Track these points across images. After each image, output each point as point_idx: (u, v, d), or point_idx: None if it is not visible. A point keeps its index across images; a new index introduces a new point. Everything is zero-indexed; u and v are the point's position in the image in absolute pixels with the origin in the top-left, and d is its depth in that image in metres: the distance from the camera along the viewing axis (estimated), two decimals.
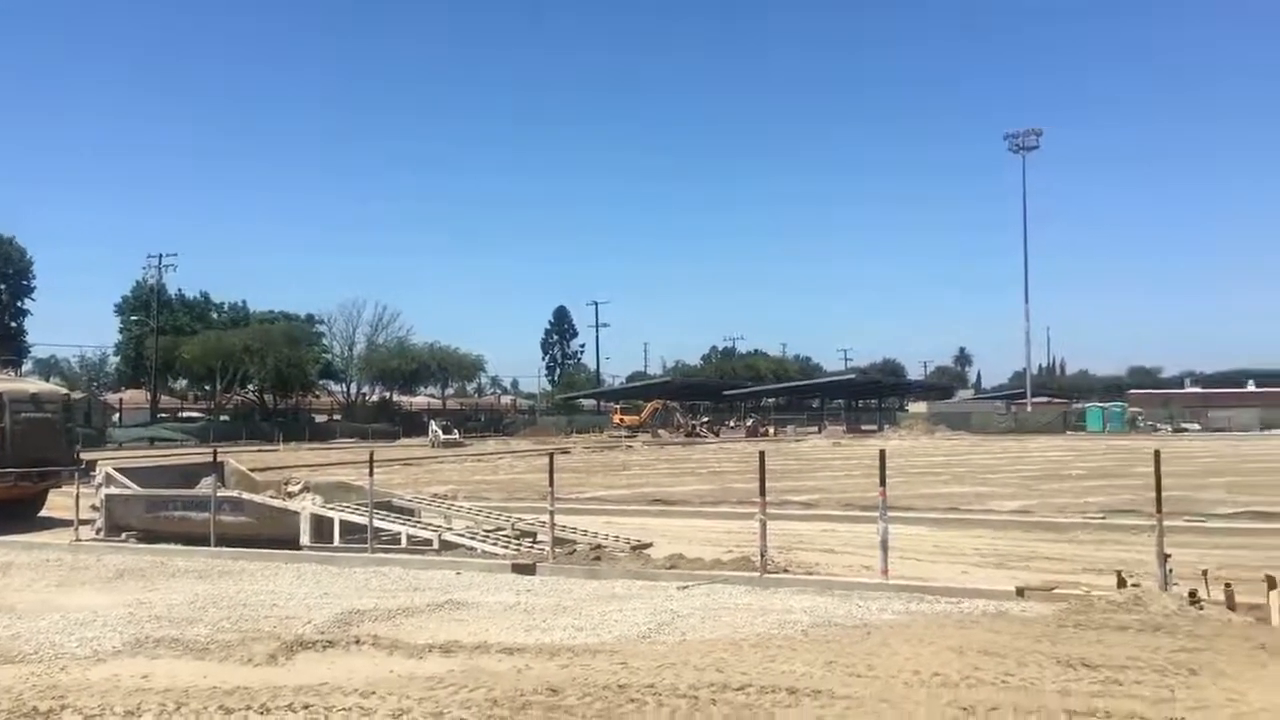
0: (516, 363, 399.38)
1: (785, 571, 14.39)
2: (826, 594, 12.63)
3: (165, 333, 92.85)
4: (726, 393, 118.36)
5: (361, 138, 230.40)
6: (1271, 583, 11.49)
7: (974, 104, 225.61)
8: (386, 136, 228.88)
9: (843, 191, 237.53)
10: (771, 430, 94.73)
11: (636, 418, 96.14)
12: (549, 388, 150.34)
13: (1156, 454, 13.02)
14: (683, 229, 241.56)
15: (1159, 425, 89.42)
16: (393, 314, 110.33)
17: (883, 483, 14.02)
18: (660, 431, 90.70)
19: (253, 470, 23.70)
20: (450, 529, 17.81)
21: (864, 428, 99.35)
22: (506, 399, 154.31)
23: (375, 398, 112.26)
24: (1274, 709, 7.00)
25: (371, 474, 17.56)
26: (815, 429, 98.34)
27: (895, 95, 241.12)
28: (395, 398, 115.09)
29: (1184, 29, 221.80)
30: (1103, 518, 22.10)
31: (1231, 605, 11.17)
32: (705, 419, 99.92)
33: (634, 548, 16.63)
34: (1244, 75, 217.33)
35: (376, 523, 17.05)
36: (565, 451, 61.07)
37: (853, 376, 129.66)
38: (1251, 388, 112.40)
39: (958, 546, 18.16)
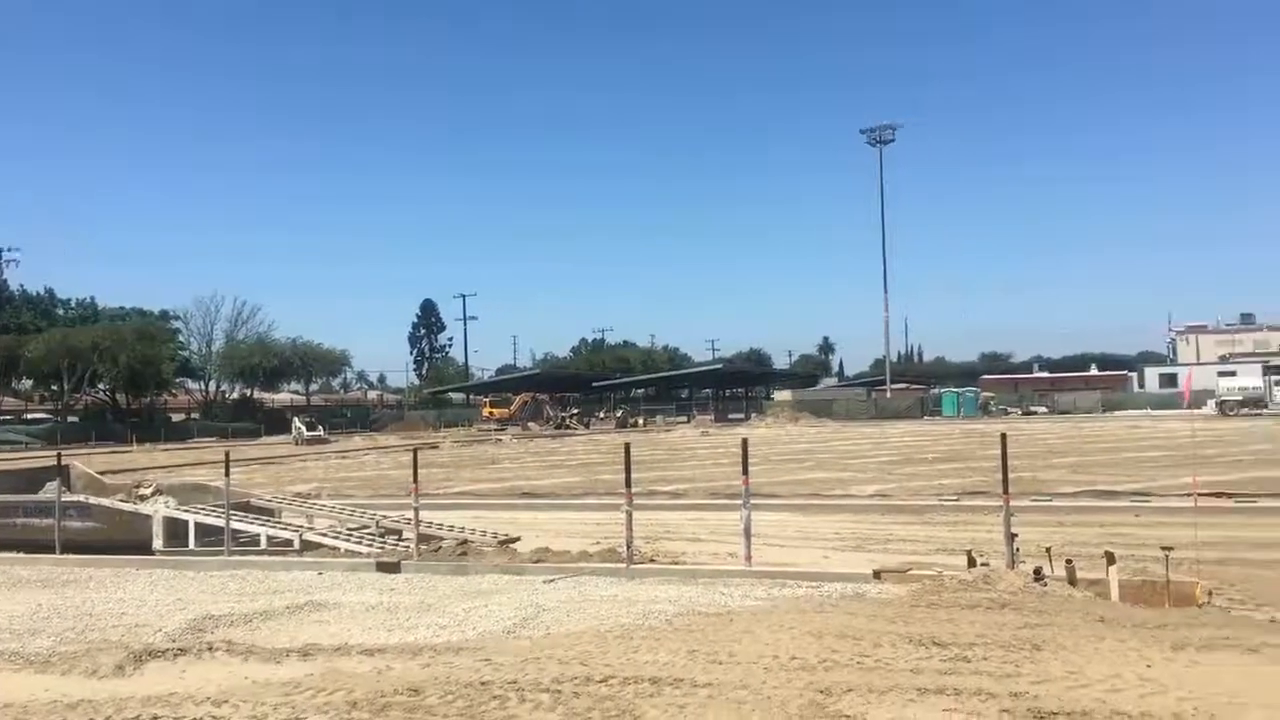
0: (384, 357, 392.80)
1: (652, 561, 14.50)
2: (692, 583, 12.78)
3: (8, 331, 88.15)
4: (596, 384, 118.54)
5: (228, 139, 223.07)
6: (1110, 558, 12.10)
7: (834, 101, 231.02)
8: (255, 136, 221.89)
9: (711, 188, 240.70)
10: (641, 421, 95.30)
11: (506, 411, 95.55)
12: (417, 382, 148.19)
13: (1003, 438, 13.52)
14: (550, 224, 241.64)
15: (1010, 409, 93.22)
16: (252, 309, 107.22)
17: (745, 471, 14.26)
18: (530, 424, 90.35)
19: (103, 473, 22.71)
20: (312, 529, 17.41)
21: (732, 417, 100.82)
22: (374, 394, 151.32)
23: (236, 395, 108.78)
24: (1109, 679, 7.36)
25: (228, 473, 17.00)
26: (684, 419, 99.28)
27: (759, 94, 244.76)
28: (257, 395, 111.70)
29: (1015, 30, 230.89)
30: (956, 499, 22.93)
31: (1073, 581, 11.72)
32: (575, 411, 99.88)
33: (501, 542, 16.52)
34: (1073, 73, 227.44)
35: (234, 524, 16.55)
36: (433, 446, 60.29)
37: (720, 367, 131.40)
38: (1094, 371, 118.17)
39: (819, 531, 18.59)
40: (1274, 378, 79.91)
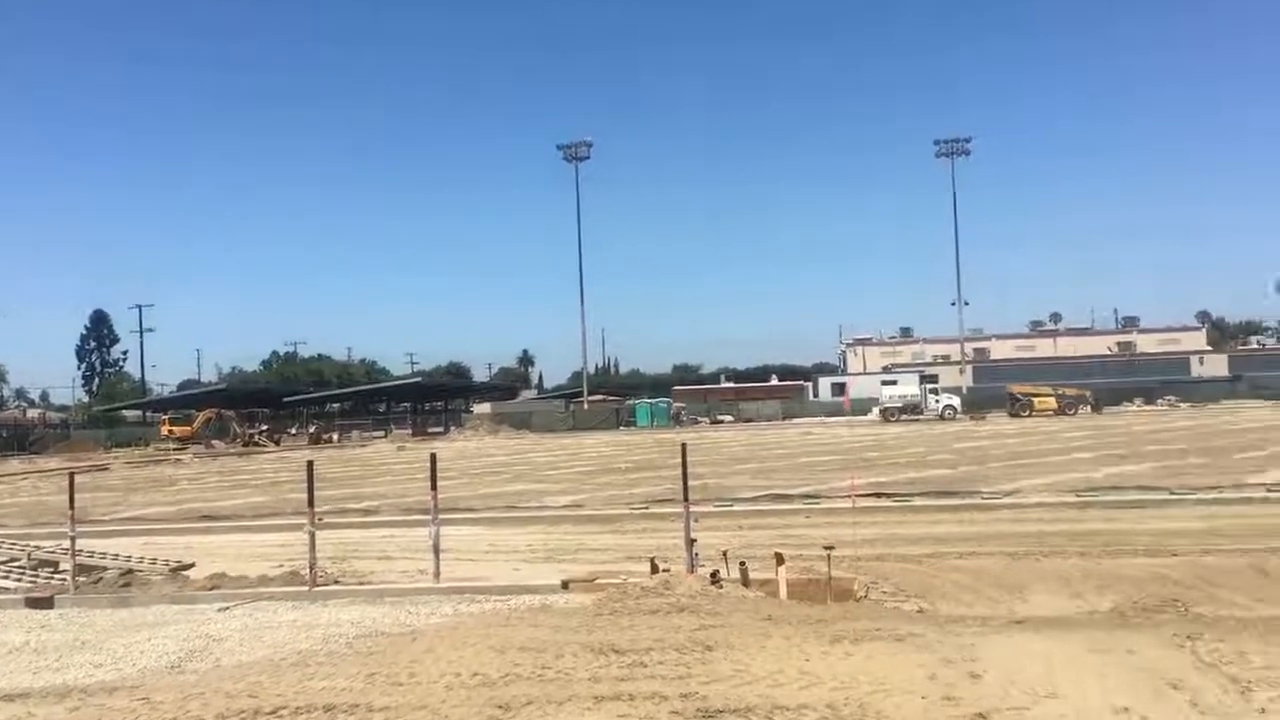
0: (48, 373, 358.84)
1: (337, 583, 14.04)
2: (378, 603, 12.48)
3: None
4: (288, 399, 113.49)
5: None
6: (780, 559, 12.86)
7: (526, 116, 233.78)
8: None
9: (409, 201, 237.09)
10: (336, 437, 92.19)
11: (188, 428, 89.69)
12: (86, 399, 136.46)
13: (683, 447, 14.07)
14: (236, 233, 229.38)
15: (700, 418, 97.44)
16: None
17: (434, 487, 14.09)
18: (215, 442, 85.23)
19: None
20: None
21: (431, 430, 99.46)
22: (35, 413, 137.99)
23: None
24: (772, 675, 7.78)
25: None
26: (381, 434, 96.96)
27: (439, 107, 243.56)
28: None
29: (731, 49, 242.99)
30: (646, 507, 23.63)
31: (746, 582, 12.36)
32: (264, 427, 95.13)
33: (173, 570, 15.48)
34: (781, 83, 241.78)
35: None
36: (103, 468, 55.75)
37: (419, 380, 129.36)
38: (775, 381, 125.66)
39: (512, 544, 18.64)
40: (929, 386, 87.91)
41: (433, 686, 7.88)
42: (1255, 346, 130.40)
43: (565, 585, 12.82)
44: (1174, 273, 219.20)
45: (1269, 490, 22.00)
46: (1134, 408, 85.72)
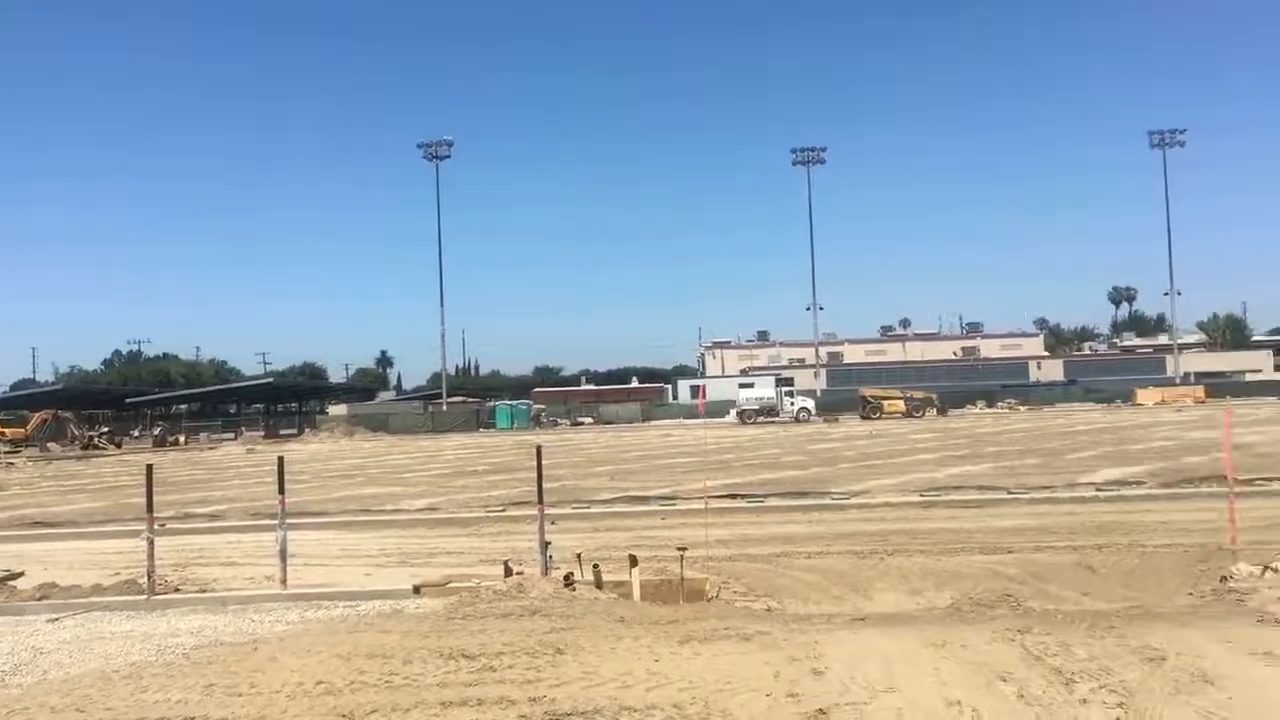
0: None
1: (177, 591, 13.53)
2: (220, 611, 12.07)
3: None
4: (131, 400, 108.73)
5: None
6: (633, 561, 12.94)
7: (395, 117, 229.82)
8: None
9: (266, 197, 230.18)
10: (183, 439, 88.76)
11: (21, 430, 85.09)
12: None
13: (538, 450, 14.02)
14: (73, 225, 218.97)
15: (560, 420, 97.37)
16: None
17: (281, 490, 13.72)
18: (51, 445, 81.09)
19: None
20: None
21: (284, 433, 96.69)
22: None
23: None
24: (621, 677, 7.83)
25: None
26: (231, 436, 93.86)
27: (316, 100, 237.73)
28: None
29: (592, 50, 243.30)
30: (503, 510, 23.50)
31: (600, 584, 12.39)
32: (105, 429, 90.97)
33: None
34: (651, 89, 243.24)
35: None
36: None
37: (271, 380, 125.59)
38: (635, 384, 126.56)
39: (365, 548, 18.28)
40: (785, 389, 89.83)
41: (274, 697, 7.66)
42: (1089, 352, 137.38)
43: (417, 590, 12.63)
44: (1014, 281, 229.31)
45: (1098, 489, 23.20)
46: (977, 410, 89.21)
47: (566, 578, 12.31)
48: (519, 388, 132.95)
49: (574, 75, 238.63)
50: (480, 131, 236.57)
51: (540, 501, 13.48)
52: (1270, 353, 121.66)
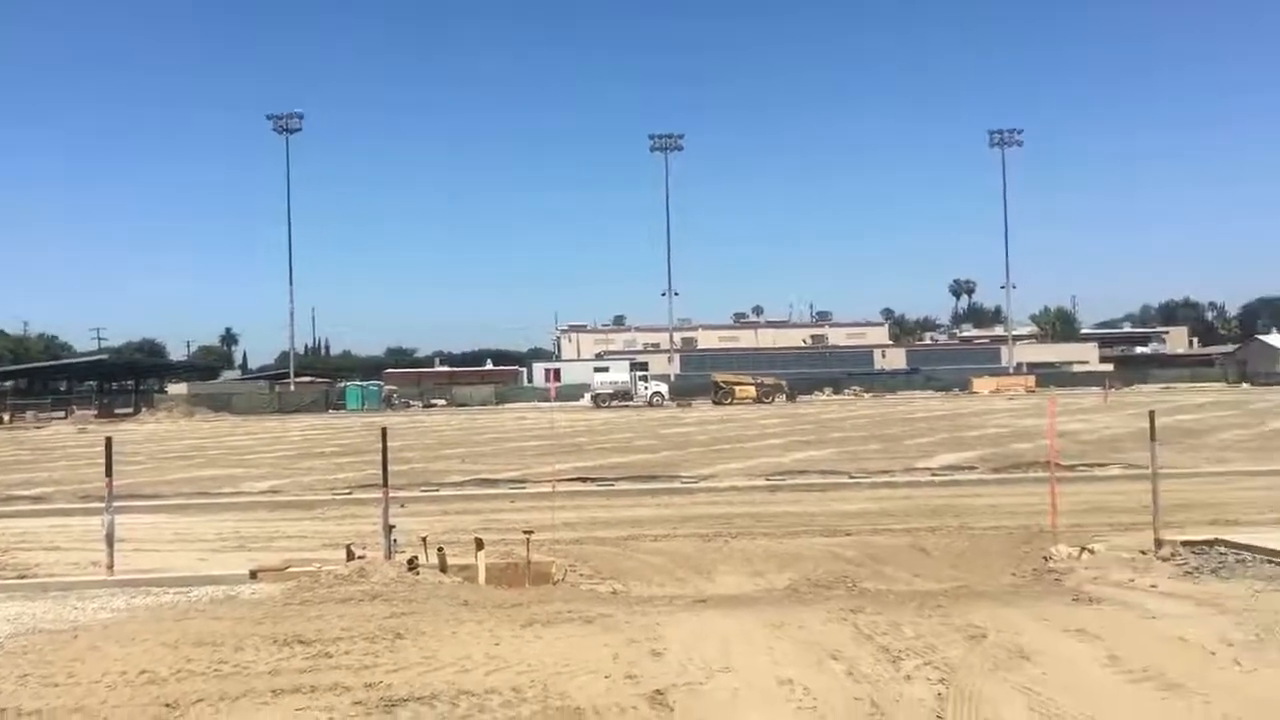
0: None
1: None
2: (40, 598, 11.48)
3: None
4: None
5: None
6: (479, 544, 12.83)
7: (244, 90, 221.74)
8: None
9: (105, 171, 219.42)
10: (8, 417, 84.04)
11: None
12: None
13: (384, 431, 13.78)
14: None
15: (412, 402, 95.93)
16: None
17: (109, 471, 13.14)
18: None
19: None
20: None
21: (119, 411, 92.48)
22: None
23: None
24: (461, 661, 7.76)
25: None
26: (62, 414, 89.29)
27: (156, 72, 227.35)
28: None
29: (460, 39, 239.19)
30: (349, 493, 23.04)
31: (444, 568, 12.25)
32: None
33: None
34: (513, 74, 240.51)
35: None
36: None
37: (105, 357, 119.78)
38: (490, 366, 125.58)
39: (201, 533, 17.65)
40: (639, 373, 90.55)
41: (93, 687, 7.33)
42: (930, 342, 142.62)
43: (254, 575, 12.25)
44: (861, 271, 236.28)
45: (933, 474, 24.12)
46: (824, 396, 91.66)
47: (410, 561, 12.14)
48: (371, 369, 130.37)
49: (435, 55, 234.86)
50: (334, 109, 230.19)
51: (385, 484, 13.25)
52: (1096, 345, 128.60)
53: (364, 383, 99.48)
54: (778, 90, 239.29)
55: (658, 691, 6.94)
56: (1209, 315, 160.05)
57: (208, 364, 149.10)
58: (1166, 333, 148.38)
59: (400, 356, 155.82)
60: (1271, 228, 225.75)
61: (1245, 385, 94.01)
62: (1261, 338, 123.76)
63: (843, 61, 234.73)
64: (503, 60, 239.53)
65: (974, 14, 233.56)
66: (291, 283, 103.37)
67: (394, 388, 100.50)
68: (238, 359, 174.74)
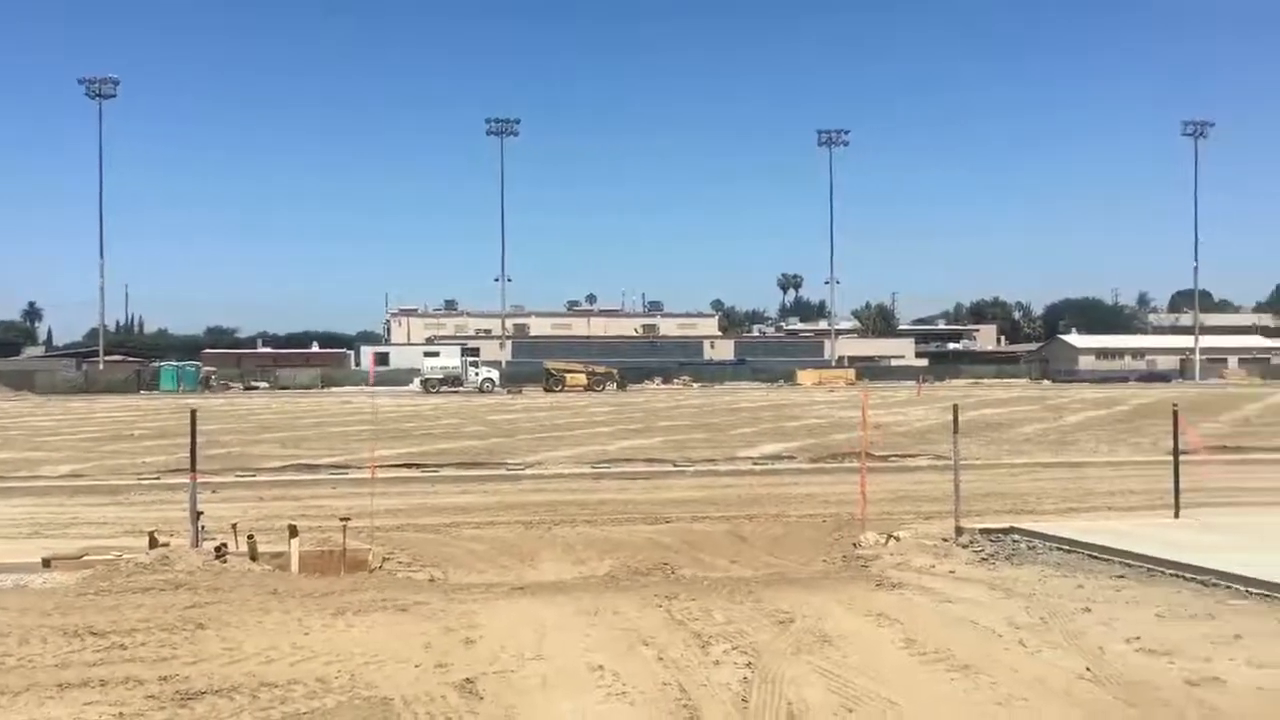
0: None
1: None
2: None
3: None
4: None
5: None
6: (293, 531, 12.46)
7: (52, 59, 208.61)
8: None
9: None
10: None
11: None
12: None
13: (193, 413, 13.21)
14: None
15: (232, 384, 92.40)
16: None
17: None
18: None
19: None
20: None
21: None
22: None
23: None
24: (265, 652, 7.53)
25: None
26: None
27: None
28: None
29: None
30: (157, 477, 22.08)
31: (255, 556, 11.87)
32: None
33: None
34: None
35: None
36: None
37: None
38: (316, 349, 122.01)
39: None
40: (470, 359, 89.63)
41: None
42: (757, 334, 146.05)
43: (46, 563, 11.58)
44: (694, 265, 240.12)
45: (755, 463, 24.75)
46: (655, 386, 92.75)
47: (218, 549, 11.70)
48: (189, 348, 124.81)
49: (268, 38, 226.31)
50: (158, 78, 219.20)
51: (193, 468, 12.73)
52: (913, 341, 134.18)
53: (180, 363, 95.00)
54: (626, 85, 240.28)
55: (468, 680, 6.90)
56: (1016, 315, 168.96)
57: (8, 340, 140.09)
58: (977, 330, 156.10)
59: (220, 336, 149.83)
60: (1074, 236, 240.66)
61: (1046, 382, 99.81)
62: (1063, 337, 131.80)
63: (686, 60, 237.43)
64: (338, 41, 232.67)
65: (801, 16, 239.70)
66: (102, 257, 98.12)
67: (213, 369, 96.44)
68: (42, 335, 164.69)
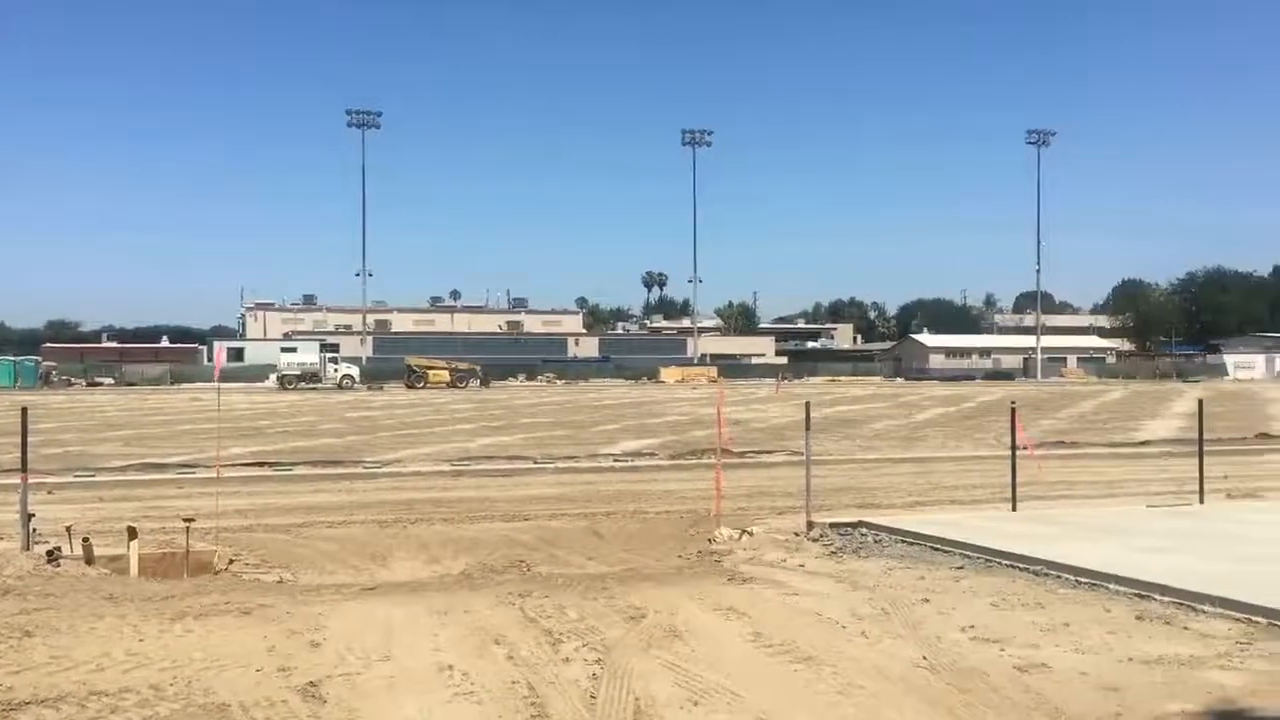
0: None
1: None
2: None
3: None
4: None
5: None
6: (132, 533, 12.00)
7: None
8: None
9: None
10: None
11: None
12: None
13: (23, 411, 12.62)
14: None
15: (75, 380, 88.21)
16: None
17: None
18: None
19: None
20: None
21: None
22: None
23: None
24: (97, 659, 7.23)
25: None
26: None
27: None
28: None
29: None
30: None
31: (90, 559, 11.38)
32: None
33: None
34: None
35: None
36: None
37: None
38: (166, 344, 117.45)
39: None
40: (329, 355, 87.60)
41: None
42: (622, 332, 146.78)
43: None
44: (559, 263, 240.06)
45: (615, 460, 24.90)
46: (518, 383, 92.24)
47: (51, 553, 11.19)
48: (27, 342, 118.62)
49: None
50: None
51: (24, 468, 12.13)
52: (773, 339, 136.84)
53: (17, 358, 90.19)
54: (489, 79, 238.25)
55: (311, 683, 6.75)
56: (872, 315, 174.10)
57: None
58: (835, 329, 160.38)
59: (62, 330, 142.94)
60: (928, 239, 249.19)
61: (899, 380, 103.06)
62: (915, 336, 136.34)
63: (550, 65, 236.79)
64: (176, 27, 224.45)
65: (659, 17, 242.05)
66: None
67: (54, 364, 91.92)
68: None
